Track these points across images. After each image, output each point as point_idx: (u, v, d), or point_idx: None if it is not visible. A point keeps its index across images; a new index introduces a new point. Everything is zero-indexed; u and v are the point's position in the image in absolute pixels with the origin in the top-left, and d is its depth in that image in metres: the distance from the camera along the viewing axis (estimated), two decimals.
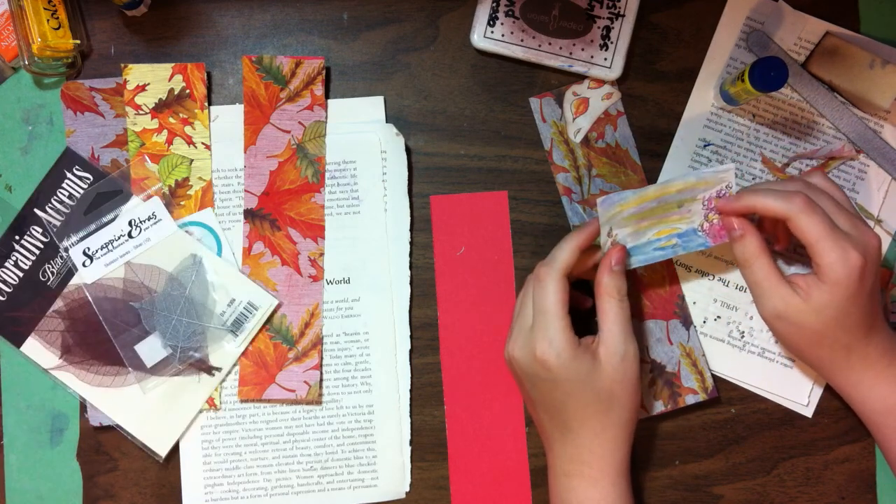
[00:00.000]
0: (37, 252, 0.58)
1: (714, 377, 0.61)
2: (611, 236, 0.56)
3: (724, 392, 0.61)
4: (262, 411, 0.59)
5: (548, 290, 0.53)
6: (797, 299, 0.52)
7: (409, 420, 0.60)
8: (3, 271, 0.58)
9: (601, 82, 0.61)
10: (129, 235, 0.55)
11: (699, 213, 0.55)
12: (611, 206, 0.55)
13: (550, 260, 0.54)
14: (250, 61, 0.59)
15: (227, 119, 0.60)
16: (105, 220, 0.55)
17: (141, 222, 0.55)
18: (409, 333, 0.60)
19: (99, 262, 0.55)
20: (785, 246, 0.59)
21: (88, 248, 0.54)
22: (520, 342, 0.54)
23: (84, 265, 0.55)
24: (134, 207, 0.56)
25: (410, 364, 0.60)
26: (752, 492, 0.61)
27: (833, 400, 0.61)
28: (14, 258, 0.58)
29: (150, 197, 0.55)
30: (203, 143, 0.60)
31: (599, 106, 0.61)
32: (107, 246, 0.54)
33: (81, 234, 0.54)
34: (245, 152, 0.59)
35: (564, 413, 0.53)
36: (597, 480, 0.53)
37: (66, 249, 0.53)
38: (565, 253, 0.54)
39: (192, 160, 0.59)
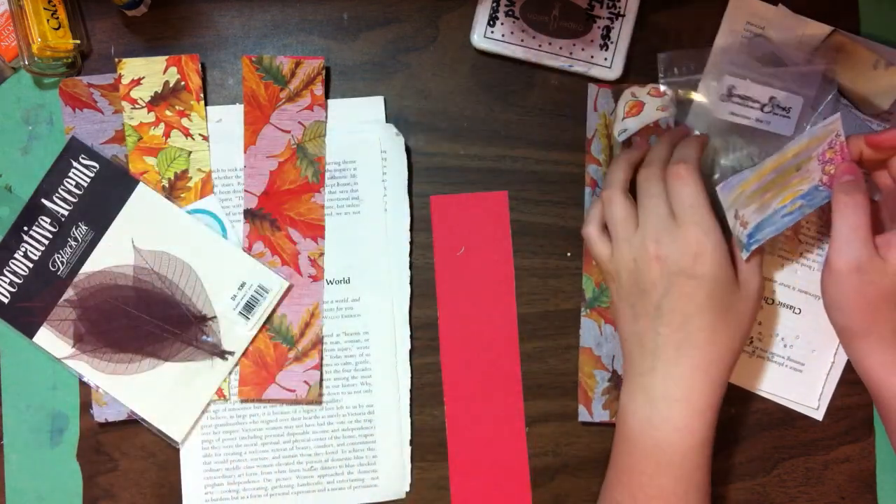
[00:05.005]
0: (46, 242, 0.58)
1: None
2: (738, 218, 0.55)
3: None
4: (262, 411, 0.59)
5: (694, 187, 0.52)
6: (878, 258, 0.50)
7: (409, 420, 0.60)
8: (13, 263, 0.58)
9: (661, 92, 0.60)
10: None
11: (817, 169, 0.53)
12: (731, 191, 0.55)
13: (686, 157, 0.53)
14: (250, 61, 0.59)
15: (227, 119, 0.60)
16: None
17: None
18: (409, 333, 0.60)
19: None
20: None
21: None
22: (666, 238, 0.52)
23: None
24: None
25: (410, 364, 0.60)
26: (752, 492, 0.61)
27: (833, 400, 0.61)
28: (24, 249, 0.58)
29: None
30: (201, 135, 0.59)
31: (652, 115, 0.60)
32: None
33: None
34: (245, 152, 0.59)
35: (689, 325, 0.52)
36: (702, 412, 0.52)
37: None
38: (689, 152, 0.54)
39: (190, 152, 0.59)
